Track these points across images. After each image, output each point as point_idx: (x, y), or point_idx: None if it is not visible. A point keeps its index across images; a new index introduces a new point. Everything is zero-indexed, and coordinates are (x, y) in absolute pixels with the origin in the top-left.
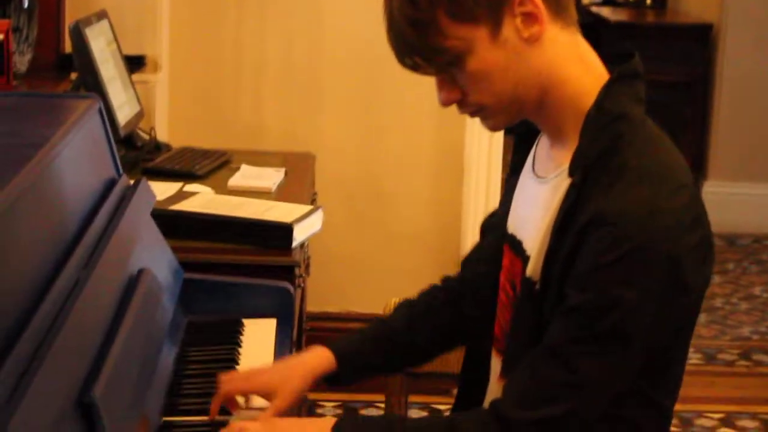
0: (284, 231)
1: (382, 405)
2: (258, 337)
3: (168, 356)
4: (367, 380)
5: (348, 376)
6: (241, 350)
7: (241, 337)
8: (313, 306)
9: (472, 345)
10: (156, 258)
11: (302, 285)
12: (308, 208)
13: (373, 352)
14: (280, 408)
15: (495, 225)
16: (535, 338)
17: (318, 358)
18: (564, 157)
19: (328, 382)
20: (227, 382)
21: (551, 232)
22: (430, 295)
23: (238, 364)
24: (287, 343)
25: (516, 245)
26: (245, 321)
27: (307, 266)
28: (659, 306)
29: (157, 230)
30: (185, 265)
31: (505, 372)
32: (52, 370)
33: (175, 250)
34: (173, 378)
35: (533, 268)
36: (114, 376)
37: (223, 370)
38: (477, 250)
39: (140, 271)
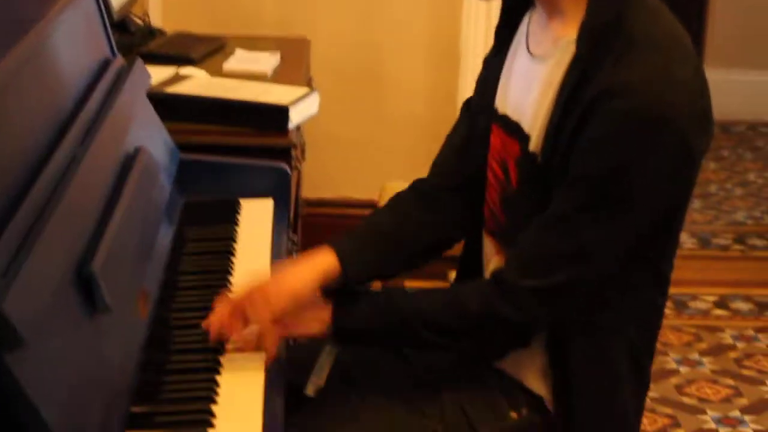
0: (280, 113)
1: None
2: (255, 217)
3: (165, 235)
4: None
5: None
6: (238, 229)
7: (238, 216)
8: (309, 192)
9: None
10: (152, 138)
11: (298, 167)
12: (305, 90)
13: (373, 256)
14: (276, 312)
15: (477, 106)
16: (536, 213)
17: (321, 260)
18: (562, 30)
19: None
20: (226, 300)
21: (555, 107)
22: (409, 205)
23: (235, 242)
24: (284, 224)
25: (510, 126)
26: (242, 201)
27: (303, 151)
28: (667, 174)
29: (153, 111)
30: (181, 148)
31: (504, 247)
32: (49, 243)
33: (170, 132)
34: (171, 255)
35: (536, 144)
36: (113, 249)
37: (221, 247)
38: (453, 136)
39: (137, 149)
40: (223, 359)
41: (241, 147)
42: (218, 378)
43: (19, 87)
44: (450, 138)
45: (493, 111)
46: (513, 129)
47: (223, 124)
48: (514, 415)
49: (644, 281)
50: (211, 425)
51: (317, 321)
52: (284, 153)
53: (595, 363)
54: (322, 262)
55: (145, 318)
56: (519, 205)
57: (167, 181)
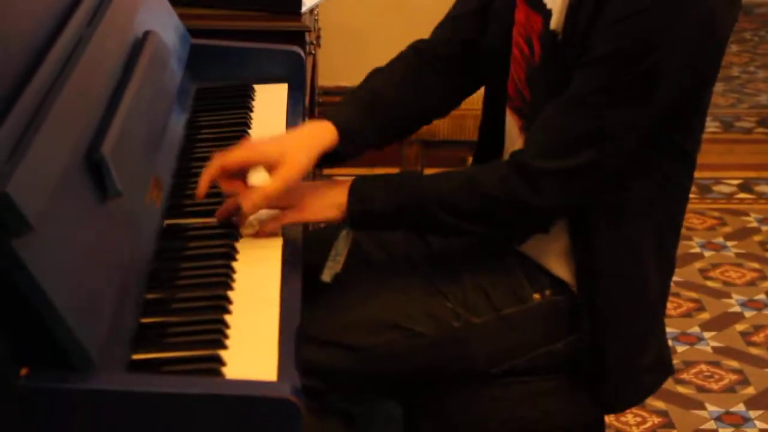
0: None
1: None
2: (270, 102)
3: (177, 121)
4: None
5: (349, 152)
6: (252, 115)
7: (252, 102)
8: (325, 80)
9: (486, 106)
10: (162, 22)
11: (313, 53)
12: None
13: (371, 126)
14: (286, 178)
15: None
16: (557, 92)
17: (321, 131)
18: None
19: (327, 160)
20: (221, 155)
21: None
22: (416, 59)
23: (250, 128)
24: (300, 109)
25: (536, 1)
26: (256, 86)
27: (318, 38)
28: (692, 52)
29: None
30: (192, 33)
31: (526, 128)
32: (56, 126)
33: (180, 17)
34: (185, 143)
35: (557, 21)
36: (123, 134)
37: (235, 133)
38: (462, 4)
39: (146, 33)
40: (238, 245)
41: (253, 31)
42: (234, 264)
43: None
44: (459, 3)
45: None
46: (536, 3)
47: (235, 7)
48: (536, 296)
49: (669, 162)
50: (228, 311)
51: (333, 206)
52: (298, 37)
53: (619, 246)
54: (323, 136)
55: (159, 206)
56: (543, 82)
57: (178, 67)
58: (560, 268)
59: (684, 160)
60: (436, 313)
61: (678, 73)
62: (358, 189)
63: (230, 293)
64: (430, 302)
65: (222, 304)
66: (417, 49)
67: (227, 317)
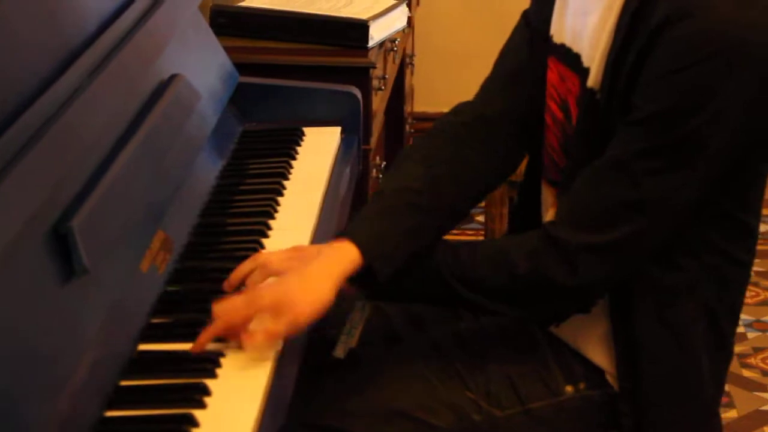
0: (359, 28)
1: (482, 218)
2: (318, 148)
3: (209, 170)
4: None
5: (383, 270)
6: (296, 162)
7: (298, 147)
8: (422, 105)
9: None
10: (198, 60)
11: (383, 87)
12: (390, 2)
13: (406, 243)
14: (291, 326)
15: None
16: (595, 158)
17: (339, 256)
18: None
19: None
20: (223, 310)
21: (615, 33)
22: (445, 143)
23: (287, 178)
24: (352, 155)
25: (570, 58)
26: (307, 129)
27: (411, 64)
28: (744, 114)
29: (207, 28)
30: (247, 68)
31: (560, 196)
32: (16, 187)
33: (236, 51)
34: (214, 194)
35: (594, 79)
36: (109, 198)
37: (270, 185)
38: (493, 80)
39: (171, 77)
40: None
41: (316, 66)
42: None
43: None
44: (503, 58)
45: (548, 40)
46: (572, 61)
47: (298, 41)
48: (569, 389)
49: (723, 236)
50: (202, 405)
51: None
52: (362, 74)
53: (664, 330)
54: (345, 264)
55: (162, 270)
56: (580, 147)
57: (216, 109)
58: (598, 355)
59: (741, 234)
60: (455, 404)
61: (731, 135)
62: (373, 258)
63: (209, 382)
64: (450, 390)
65: (197, 397)
66: (456, 120)
67: (197, 413)
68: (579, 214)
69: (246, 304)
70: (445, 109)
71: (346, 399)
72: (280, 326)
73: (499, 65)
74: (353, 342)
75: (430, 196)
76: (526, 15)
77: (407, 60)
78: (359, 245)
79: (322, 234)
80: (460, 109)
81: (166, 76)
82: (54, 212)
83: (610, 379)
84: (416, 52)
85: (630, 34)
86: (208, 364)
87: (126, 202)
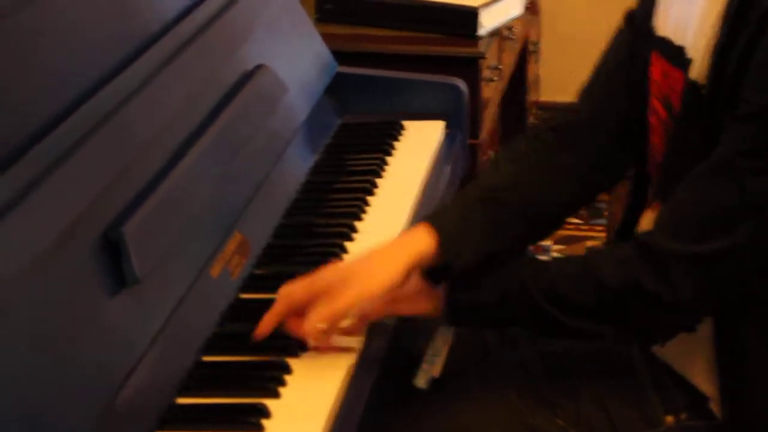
0: (468, 16)
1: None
2: (417, 144)
3: (298, 167)
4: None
5: (456, 265)
6: (392, 159)
7: (395, 143)
8: (550, 95)
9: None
10: (292, 49)
11: (495, 78)
12: None
13: (485, 236)
14: (349, 300)
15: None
16: (700, 159)
17: (413, 241)
18: None
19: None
20: (287, 291)
21: (722, 22)
22: (539, 142)
23: (380, 176)
24: (454, 152)
25: (674, 52)
26: (408, 123)
27: (531, 52)
28: None
29: (302, 14)
30: (351, 57)
31: (662, 201)
32: (59, 188)
33: (342, 38)
34: (301, 192)
35: (698, 72)
36: (170, 202)
37: (360, 183)
38: (598, 75)
39: (256, 68)
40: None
41: (422, 56)
42: (293, 360)
43: None
44: (605, 59)
45: (650, 34)
46: (675, 54)
47: (405, 28)
48: (669, 419)
49: None
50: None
51: (428, 296)
52: (470, 64)
53: None
54: (414, 249)
55: (236, 276)
56: (682, 147)
57: (308, 102)
58: (703, 380)
59: None
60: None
61: None
62: (457, 277)
63: (269, 402)
64: (536, 416)
65: (255, 421)
66: (552, 129)
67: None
68: (677, 221)
69: (308, 283)
70: (571, 100)
71: (424, 424)
72: (340, 302)
73: (597, 69)
74: (436, 371)
75: (514, 195)
76: (629, 16)
77: (531, 48)
78: (436, 228)
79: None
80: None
81: (250, 66)
82: (107, 215)
83: (714, 408)
84: (542, 39)
85: (739, 21)
86: (271, 382)
87: (191, 204)
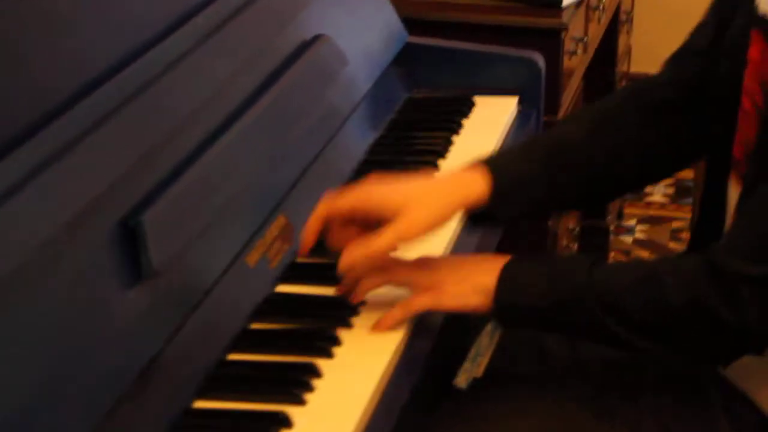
0: None
1: None
2: (486, 120)
3: (357, 144)
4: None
5: (506, 212)
6: (458, 138)
7: (464, 120)
8: (642, 66)
9: (709, 171)
10: (357, 17)
11: (578, 51)
12: None
13: (542, 181)
14: (400, 233)
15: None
16: None
17: (466, 180)
18: None
19: (479, 219)
20: (329, 199)
21: None
22: (624, 101)
23: (443, 157)
24: (529, 128)
25: None
26: (479, 99)
27: (624, 22)
28: None
29: None
30: (419, 24)
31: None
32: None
33: (410, 5)
34: (356, 173)
35: None
36: (200, 184)
37: (420, 164)
38: (697, 36)
39: (315, 38)
40: (346, 333)
41: (498, 26)
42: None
43: None
44: (695, 33)
45: (752, 12)
46: None
47: None
48: None
49: None
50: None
51: (477, 291)
52: (551, 36)
53: None
54: (467, 188)
55: (275, 264)
56: None
57: (371, 74)
58: None
59: None
60: None
61: None
62: (511, 273)
63: (293, 409)
64: (594, 427)
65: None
66: (629, 89)
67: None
68: (749, 239)
69: (351, 197)
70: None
71: (456, 428)
72: (384, 238)
73: (688, 41)
74: (478, 371)
75: (582, 156)
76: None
77: (623, 17)
78: (494, 177)
79: (469, 224)
80: (630, 85)
81: (308, 36)
82: (129, 200)
83: None
84: (635, 9)
85: None
86: (305, 376)
87: (229, 185)
